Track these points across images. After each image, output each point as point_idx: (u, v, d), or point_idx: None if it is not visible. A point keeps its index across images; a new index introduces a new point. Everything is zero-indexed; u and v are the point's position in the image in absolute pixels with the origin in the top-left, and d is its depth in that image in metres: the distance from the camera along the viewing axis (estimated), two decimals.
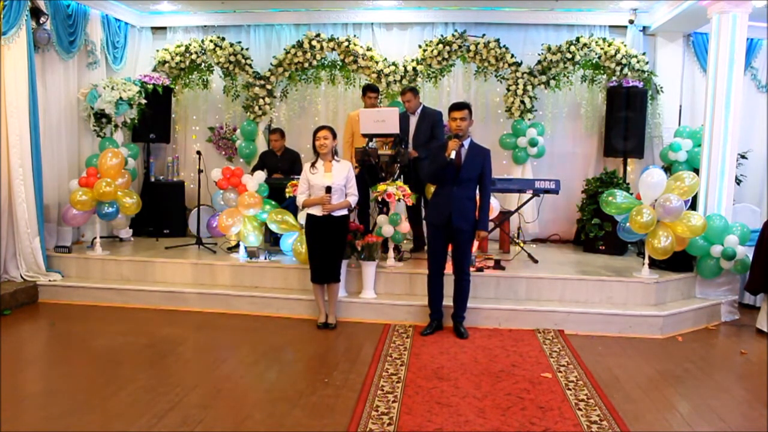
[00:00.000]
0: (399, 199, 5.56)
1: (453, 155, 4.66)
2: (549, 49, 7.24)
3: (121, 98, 6.72)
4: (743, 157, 6.81)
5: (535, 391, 3.89)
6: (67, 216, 6.11)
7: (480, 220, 4.88)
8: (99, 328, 5.12)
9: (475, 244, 5.25)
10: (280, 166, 6.84)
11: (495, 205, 6.02)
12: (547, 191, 6.25)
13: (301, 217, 5.35)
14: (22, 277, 5.87)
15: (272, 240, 6.54)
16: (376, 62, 7.38)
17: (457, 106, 4.84)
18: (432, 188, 5.19)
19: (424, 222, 6.23)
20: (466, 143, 4.85)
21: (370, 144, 5.78)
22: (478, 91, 7.69)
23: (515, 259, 6.26)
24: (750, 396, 3.96)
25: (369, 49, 7.42)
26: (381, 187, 5.55)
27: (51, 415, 3.43)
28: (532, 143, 7.22)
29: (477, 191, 4.90)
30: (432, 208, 5.06)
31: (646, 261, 5.56)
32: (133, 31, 7.71)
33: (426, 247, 5.62)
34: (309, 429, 3.35)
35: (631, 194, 5.88)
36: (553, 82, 7.33)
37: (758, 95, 7.49)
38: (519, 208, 6.58)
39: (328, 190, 4.93)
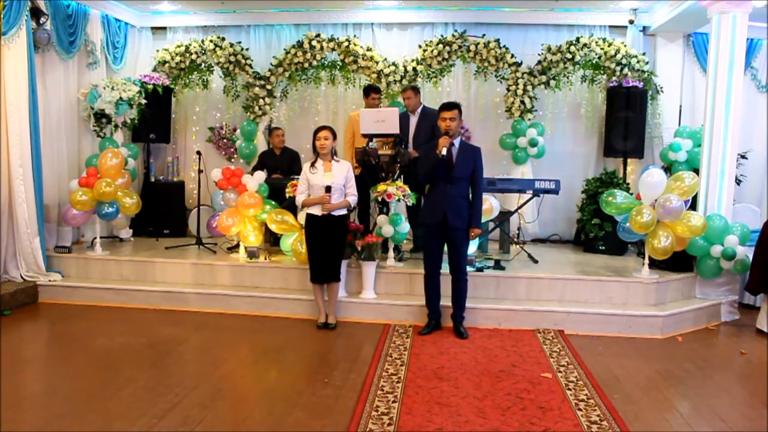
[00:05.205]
0: (399, 199, 5.56)
1: (444, 152, 4.68)
2: (549, 49, 7.24)
3: (121, 98, 6.72)
4: (743, 157, 6.81)
5: (535, 391, 3.89)
6: (67, 216, 6.11)
7: (473, 217, 4.88)
8: (99, 328, 5.12)
9: (473, 245, 5.25)
10: (280, 166, 6.84)
11: (495, 205, 6.02)
12: (547, 191, 6.24)
13: (301, 217, 5.35)
14: (22, 277, 5.87)
15: (272, 240, 6.54)
16: (376, 62, 7.38)
17: (447, 107, 4.87)
18: None
19: None
20: (457, 142, 4.88)
21: (370, 144, 5.78)
22: (478, 91, 7.69)
23: (515, 259, 6.26)
24: (750, 396, 3.96)
25: (369, 50, 7.42)
26: (381, 187, 5.55)
27: (51, 416, 3.43)
28: (532, 143, 7.22)
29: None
30: (426, 208, 5.06)
31: (646, 261, 5.56)
32: (133, 31, 7.71)
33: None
34: (309, 429, 3.35)
35: (631, 194, 5.88)
36: (553, 82, 7.33)
37: (758, 95, 7.49)
38: (519, 208, 6.57)
39: (328, 189, 4.94)
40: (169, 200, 7.52)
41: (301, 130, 7.83)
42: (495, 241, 6.89)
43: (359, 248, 5.42)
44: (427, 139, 6.06)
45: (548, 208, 7.24)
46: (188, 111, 8.09)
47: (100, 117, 6.81)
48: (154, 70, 7.67)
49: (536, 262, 6.13)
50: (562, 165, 7.65)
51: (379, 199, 5.58)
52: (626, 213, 5.50)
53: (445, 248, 5.00)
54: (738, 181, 6.72)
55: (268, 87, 7.58)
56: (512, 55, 7.25)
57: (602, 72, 7.36)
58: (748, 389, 4.09)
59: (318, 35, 7.44)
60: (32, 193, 5.83)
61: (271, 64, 7.59)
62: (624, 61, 7.13)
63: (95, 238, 6.33)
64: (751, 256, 5.40)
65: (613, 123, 7.14)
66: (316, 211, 5.01)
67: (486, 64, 7.30)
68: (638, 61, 7.12)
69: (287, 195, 5.89)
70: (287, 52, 7.50)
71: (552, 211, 7.51)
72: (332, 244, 5.07)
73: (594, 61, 7.30)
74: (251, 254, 6.04)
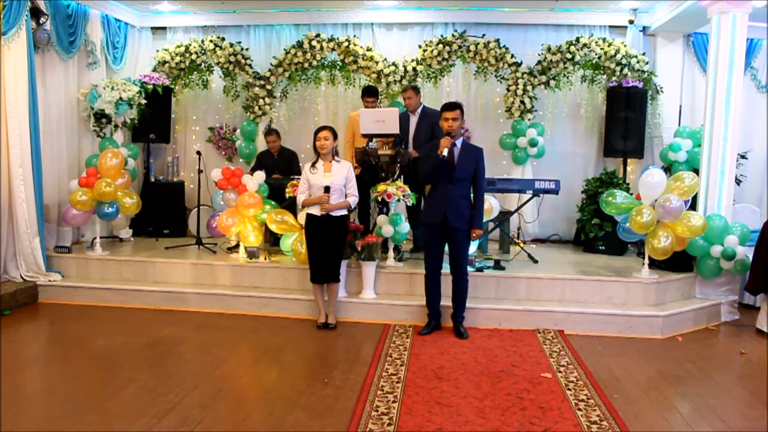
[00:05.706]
0: (399, 199, 5.56)
1: (445, 153, 4.67)
2: (549, 49, 7.24)
3: (121, 98, 6.72)
4: (743, 157, 6.81)
5: (535, 391, 3.89)
6: (67, 216, 6.11)
7: (474, 218, 4.88)
8: (99, 328, 5.12)
9: (473, 245, 5.24)
10: (278, 166, 6.84)
11: (495, 205, 6.02)
12: (547, 191, 6.24)
13: (301, 217, 5.36)
14: (22, 277, 5.87)
15: (272, 240, 6.54)
16: (376, 62, 7.38)
17: (448, 107, 4.86)
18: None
19: None
20: (459, 142, 4.88)
21: (370, 144, 5.78)
22: (478, 91, 7.69)
23: (515, 259, 6.26)
24: (750, 396, 3.96)
25: (369, 50, 7.42)
26: (381, 187, 5.55)
27: (51, 416, 3.43)
28: (532, 143, 7.22)
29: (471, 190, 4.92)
30: (427, 208, 5.06)
31: (646, 261, 5.56)
32: (133, 31, 7.71)
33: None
34: (309, 429, 3.35)
35: (631, 194, 5.88)
36: (553, 83, 7.33)
37: (758, 95, 7.49)
38: (519, 208, 6.58)
39: (327, 189, 4.94)
40: (169, 200, 7.52)
41: (301, 130, 7.84)
42: (495, 241, 6.89)
43: (359, 248, 5.42)
44: (428, 139, 6.06)
45: (548, 208, 7.25)
46: (188, 111, 8.09)
47: (100, 117, 6.80)
48: (154, 70, 7.67)
49: (536, 262, 6.13)
50: (562, 165, 7.65)
51: (379, 199, 5.58)
52: (626, 213, 5.50)
53: (446, 248, 5.00)
54: (738, 181, 6.72)
55: (268, 87, 7.58)
56: (512, 55, 7.25)
57: (602, 72, 7.36)
58: (748, 389, 4.09)
59: (318, 35, 7.45)
60: (32, 193, 5.83)
61: (271, 64, 7.59)
62: (624, 61, 7.13)
63: (95, 238, 6.33)
64: (751, 256, 5.40)
65: (613, 123, 7.14)
66: (316, 211, 5.01)
67: (486, 64, 7.30)
68: (638, 61, 7.12)
69: (287, 195, 5.90)
70: (287, 52, 7.50)
71: (552, 211, 7.52)
72: (332, 245, 5.07)
73: (594, 61, 7.30)
74: (251, 254, 6.04)
